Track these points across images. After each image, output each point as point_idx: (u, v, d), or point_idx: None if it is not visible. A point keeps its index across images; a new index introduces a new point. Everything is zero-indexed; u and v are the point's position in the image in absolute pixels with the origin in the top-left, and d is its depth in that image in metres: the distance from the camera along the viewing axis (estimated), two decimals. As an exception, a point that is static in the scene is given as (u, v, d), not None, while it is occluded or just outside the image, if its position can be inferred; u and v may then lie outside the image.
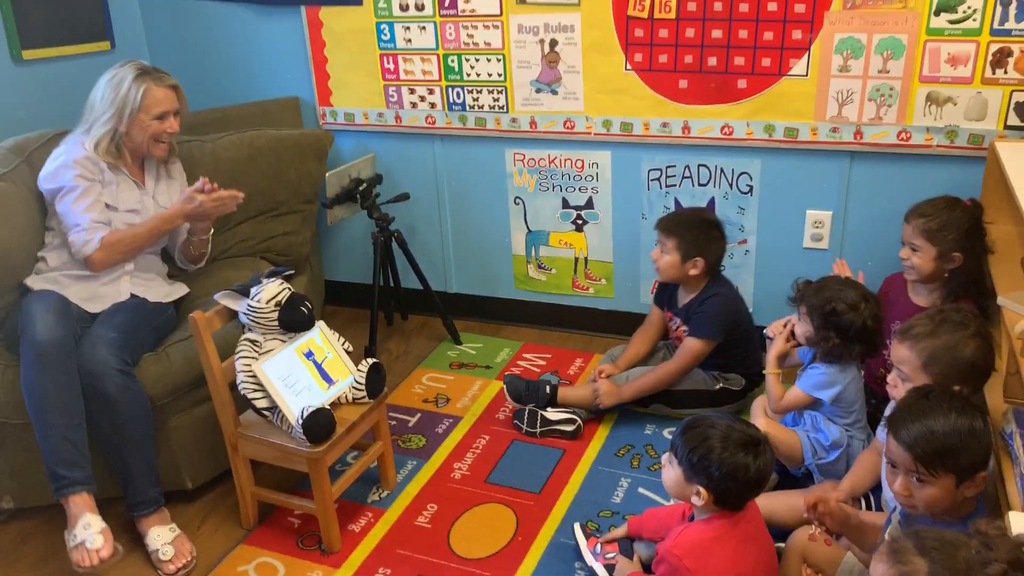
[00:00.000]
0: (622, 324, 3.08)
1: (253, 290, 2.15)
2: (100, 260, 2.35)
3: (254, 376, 2.10)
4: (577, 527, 2.17)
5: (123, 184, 2.43)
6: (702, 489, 1.73)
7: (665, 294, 2.76)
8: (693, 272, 2.59)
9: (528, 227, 3.19)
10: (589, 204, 3.06)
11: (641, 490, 2.37)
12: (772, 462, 1.76)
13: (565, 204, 3.09)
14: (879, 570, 1.30)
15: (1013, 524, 1.45)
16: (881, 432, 1.83)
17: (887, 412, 1.84)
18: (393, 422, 2.74)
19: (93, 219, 2.32)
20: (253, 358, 2.12)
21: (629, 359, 2.76)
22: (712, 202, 2.90)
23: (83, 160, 2.34)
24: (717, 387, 2.63)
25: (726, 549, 1.73)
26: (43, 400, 2.09)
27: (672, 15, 2.67)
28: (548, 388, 2.67)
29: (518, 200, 3.16)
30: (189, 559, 2.19)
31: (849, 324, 2.12)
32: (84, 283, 2.38)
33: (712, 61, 2.68)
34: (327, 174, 2.89)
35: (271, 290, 2.15)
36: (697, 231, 2.59)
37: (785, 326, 2.34)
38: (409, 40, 3.00)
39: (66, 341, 2.13)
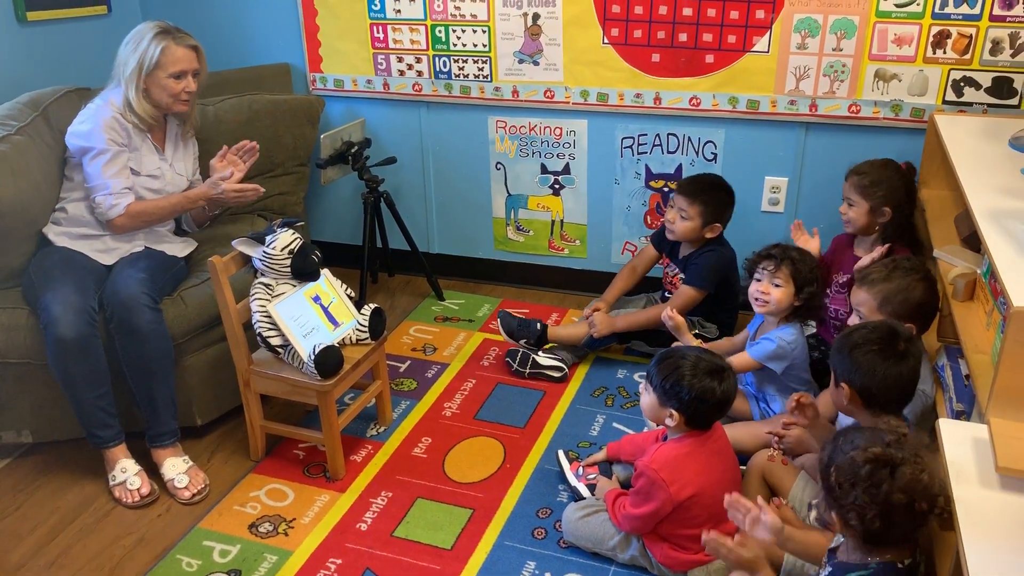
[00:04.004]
0: (594, 282, 3.30)
1: (268, 238, 2.32)
2: (122, 225, 2.46)
3: (268, 316, 2.29)
4: (560, 453, 2.40)
5: (145, 149, 2.53)
6: (674, 411, 1.97)
7: (666, 241, 2.91)
8: (710, 235, 2.76)
9: (508, 191, 3.39)
10: (566, 170, 3.28)
11: (616, 425, 2.62)
12: (735, 387, 2.00)
13: (543, 169, 3.31)
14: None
15: (943, 431, 1.72)
16: None
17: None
18: (385, 368, 2.94)
19: (122, 185, 2.43)
20: (267, 299, 2.30)
21: (616, 292, 2.97)
22: (680, 168, 3.14)
23: (112, 123, 2.42)
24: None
25: (696, 463, 1.98)
26: (71, 381, 2.28)
27: (647, -7, 2.89)
28: (539, 325, 2.89)
29: (499, 165, 3.36)
30: (203, 486, 2.38)
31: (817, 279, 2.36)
32: (101, 238, 2.49)
33: (683, 37, 2.91)
34: (322, 136, 3.05)
35: (284, 239, 2.33)
36: (719, 199, 2.74)
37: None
38: (399, 11, 3.17)
39: (86, 331, 2.23)
